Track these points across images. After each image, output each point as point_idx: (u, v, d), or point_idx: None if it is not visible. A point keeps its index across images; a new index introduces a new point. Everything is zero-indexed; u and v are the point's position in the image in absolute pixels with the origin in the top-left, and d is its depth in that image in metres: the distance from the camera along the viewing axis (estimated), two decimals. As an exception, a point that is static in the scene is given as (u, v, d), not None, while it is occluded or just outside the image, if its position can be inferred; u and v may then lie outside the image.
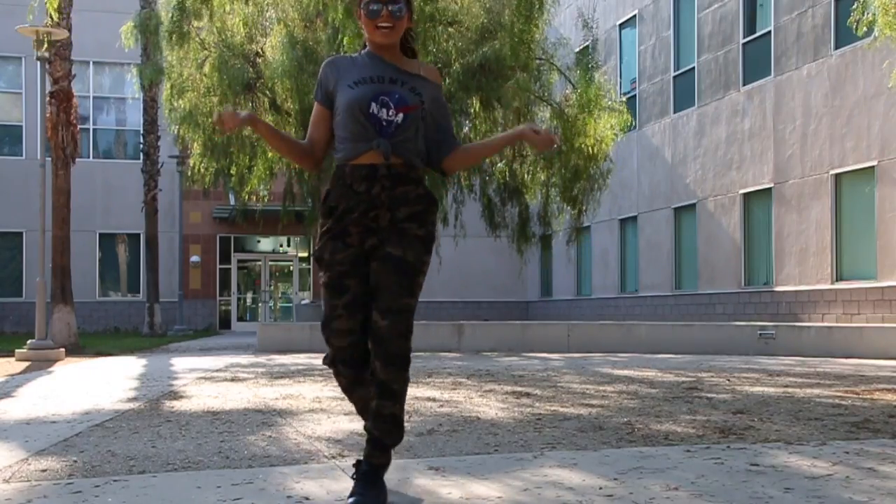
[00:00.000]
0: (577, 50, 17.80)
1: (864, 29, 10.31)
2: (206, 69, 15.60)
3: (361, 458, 3.10)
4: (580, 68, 16.78)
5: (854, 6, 10.54)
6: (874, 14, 9.79)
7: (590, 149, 16.12)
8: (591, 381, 8.46)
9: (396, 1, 3.07)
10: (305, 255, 29.48)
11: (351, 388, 3.19)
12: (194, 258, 27.93)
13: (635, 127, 20.70)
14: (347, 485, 3.31)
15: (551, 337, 14.81)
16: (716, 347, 14.16)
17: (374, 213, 3.00)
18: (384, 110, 2.97)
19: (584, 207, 17.22)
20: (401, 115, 2.98)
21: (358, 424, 5.15)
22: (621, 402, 6.48)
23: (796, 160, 17.11)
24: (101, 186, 27.11)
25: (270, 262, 29.92)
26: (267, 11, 15.71)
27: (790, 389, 7.52)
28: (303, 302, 26.08)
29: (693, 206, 20.32)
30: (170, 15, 15.70)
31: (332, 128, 3.10)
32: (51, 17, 14.55)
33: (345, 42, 13.75)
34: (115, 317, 27.49)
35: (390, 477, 3.29)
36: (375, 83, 3.01)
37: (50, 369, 10.84)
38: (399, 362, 2.97)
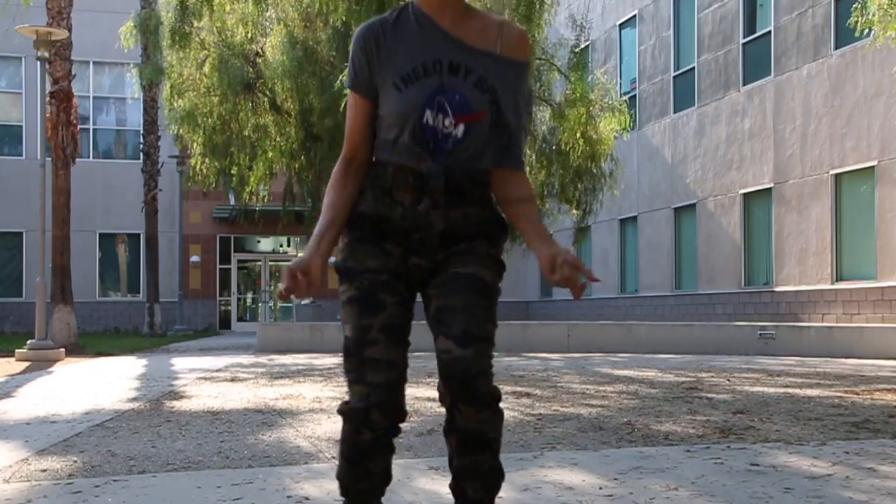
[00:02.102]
0: (577, 50, 17.79)
1: (865, 30, 10.31)
2: (206, 69, 15.61)
3: None
4: (580, 68, 16.79)
5: (854, 6, 10.55)
6: (874, 15, 9.80)
7: (590, 149, 16.14)
8: (591, 381, 8.47)
9: None
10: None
11: (374, 451, 2.25)
12: (194, 258, 27.93)
13: (635, 127, 20.69)
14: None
15: (551, 337, 14.80)
16: (716, 347, 14.16)
17: (419, 236, 2.20)
18: (440, 117, 2.14)
19: (587, 208, 17.24)
20: (461, 128, 2.14)
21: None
22: (621, 402, 6.48)
23: (796, 160, 17.11)
24: (101, 186, 27.11)
25: (270, 263, 29.92)
26: (267, 11, 15.72)
27: (790, 389, 7.52)
28: (303, 302, 26.07)
29: (693, 206, 20.32)
30: (170, 15, 15.71)
31: (374, 122, 2.25)
32: (49, 11, 14.55)
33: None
34: (115, 317, 27.49)
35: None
36: (431, 75, 2.14)
37: (50, 369, 10.85)
38: (490, 402, 2.17)
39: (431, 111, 2.13)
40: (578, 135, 15.98)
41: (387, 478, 2.31)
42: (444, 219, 2.18)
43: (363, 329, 2.17)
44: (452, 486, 2.30)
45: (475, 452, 2.22)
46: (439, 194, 2.16)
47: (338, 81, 13.84)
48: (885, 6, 9.52)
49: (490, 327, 2.19)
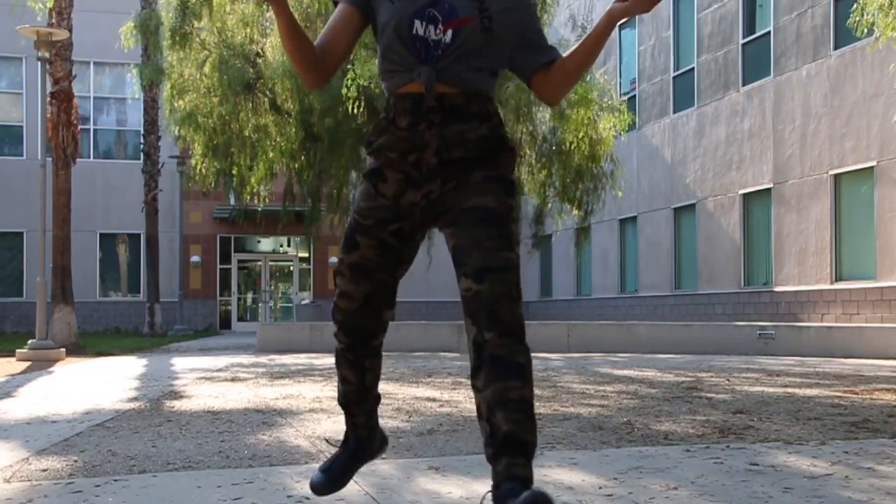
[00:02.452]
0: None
1: (865, 30, 10.32)
2: (207, 69, 15.62)
3: (490, 490, 2.19)
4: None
5: (853, 7, 10.56)
6: (874, 15, 9.80)
7: (590, 149, 16.15)
8: (591, 380, 8.47)
9: None
10: (306, 255, 29.50)
11: (342, 360, 2.56)
12: (194, 258, 27.94)
13: (635, 127, 20.70)
14: (349, 487, 3.33)
15: (551, 337, 14.81)
16: (715, 347, 14.17)
17: (415, 157, 2.32)
18: (431, 27, 2.28)
19: (588, 208, 17.26)
20: (449, 33, 2.27)
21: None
22: (621, 402, 6.49)
23: (796, 160, 17.12)
24: (101, 186, 27.12)
25: (271, 263, 29.93)
26: (267, 12, 15.72)
27: (790, 389, 7.53)
28: (303, 302, 26.09)
29: (693, 206, 20.33)
30: (170, 15, 15.72)
31: (354, 38, 2.41)
32: (49, 11, 14.55)
33: (355, 49, 13.73)
34: (115, 317, 27.50)
35: (391, 475, 3.29)
36: None
37: (50, 369, 10.85)
38: (515, 330, 2.25)
39: (421, 21, 2.28)
40: (580, 135, 15.99)
41: (364, 391, 2.60)
42: (438, 136, 2.30)
43: (340, 261, 2.46)
44: (486, 429, 2.25)
45: (504, 377, 2.23)
46: (434, 113, 2.29)
47: (346, 83, 13.88)
48: (886, 7, 9.53)
49: (504, 254, 2.25)
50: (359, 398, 2.65)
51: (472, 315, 2.25)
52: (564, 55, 2.43)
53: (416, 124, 2.31)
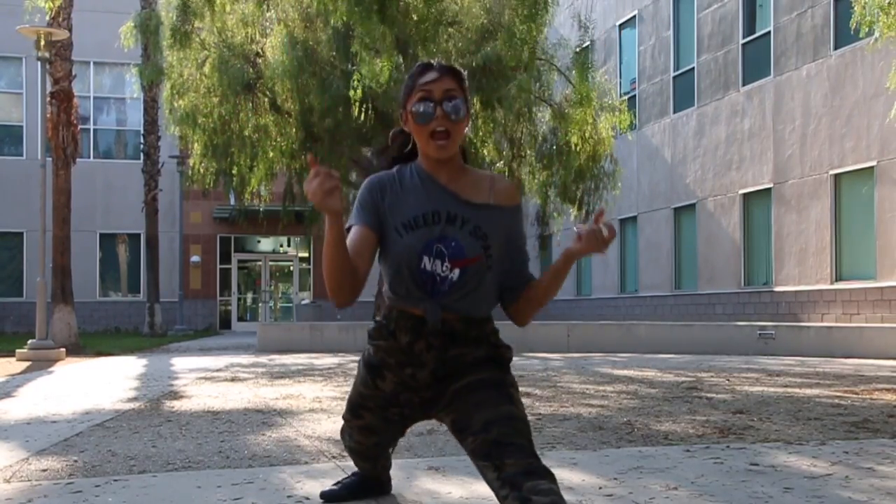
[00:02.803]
0: (577, 50, 17.80)
1: (866, 30, 10.32)
2: (207, 69, 15.61)
3: None
4: (580, 69, 16.80)
5: (854, 7, 10.56)
6: (874, 15, 9.80)
7: (591, 149, 16.15)
8: (591, 380, 8.47)
9: (452, 96, 2.41)
10: (306, 255, 29.50)
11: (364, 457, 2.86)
12: (194, 258, 27.94)
13: (635, 127, 20.70)
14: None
15: (551, 337, 14.81)
16: (715, 347, 14.17)
17: (412, 371, 2.42)
18: (438, 262, 2.37)
19: (588, 208, 17.26)
20: (457, 272, 2.37)
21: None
22: (621, 402, 6.49)
23: (796, 160, 17.12)
24: (101, 186, 27.12)
25: (271, 262, 29.93)
26: (268, 12, 15.73)
27: (790, 389, 7.53)
28: (303, 302, 26.09)
29: (693, 206, 20.33)
30: (170, 15, 15.71)
31: (374, 256, 2.46)
32: (50, 14, 14.54)
33: (355, 50, 13.76)
34: (115, 317, 27.50)
35: (391, 475, 3.29)
36: (430, 225, 2.38)
37: (50, 369, 10.85)
38: (536, 457, 2.26)
39: (429, 257, 2.38)
40: (580, 135, 15.99)
41: (375, 465, 2.89)
42: (437, 360, 2.41)
43: (346, 419, 2.70)
44: None
45: (531, 478, 2.19)
46: (434, 336, 2.38)
47: (352, 85, 13.87)
48: (886, 6, 9.53)
49: (507, 407, 2.33)
50: (378, 463, 2.93)
51: (485, 457, 2.25)
52: (535, 286, 2.57)
53: (416, 343, 2.40)
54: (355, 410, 2.59)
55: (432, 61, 2.53)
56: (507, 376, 2.45)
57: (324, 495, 3.02)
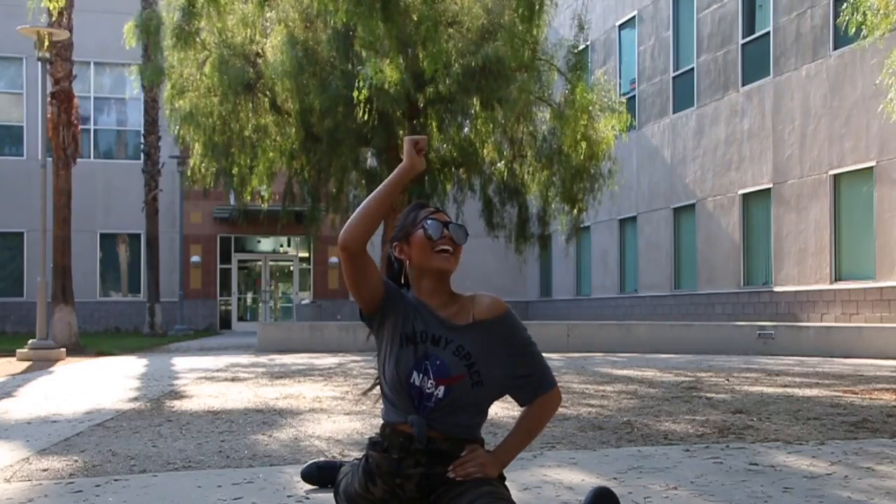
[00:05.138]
0: (577, 51, 17.80)
1: (854, 29, 10.32)
2: (207, 69, 15.61)
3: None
4: (580, 69, 16.80)
5: (844, 6, 10.56)
6: (864, 14, 9.80)
7: (590, 149, 16.15)
8: (591, 380, 8.48)
9: (456, 226, 2.67)
10: (306, 255, 29.50)
11: None
12: (195, 258, 27.94)
13: (635, 127, 20.71)
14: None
15: (551, 337, 14.82)
16: (715, 347, 14.17)
17: (401, 482, 2.59)
18: (425, 379, 2.55)
19: (585, 207, 17.26)
20: (441, 389, 2.54)
21: (359, 424, 5.17)
22: (621, 402, 6.50)
23: (795, 160, 17.13)
24: (101, 187, 27.12)
25: (271, 262, 29.93)
26: (269, 12, 15.73)
27: (789, 389, 7.53)
28: (303, 302, 26.09)
29: (692, 206, 20.33)
30: (171, 15, 15.71)
31: (374, 289, 2.63)
32: (49, 13, 14.55)
33: (359, 50, 13.76)
34: (115, 317, 27.50)
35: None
36: (419, 343, 2.58)
37: (51, 369, 10.86)
38: None
39: (418, 373, 2.55)
40: (579, 135, 15.99)
41: None
42: (422, 475, 2.56)
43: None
44: None
45: None
46: (421, 455, 2.55)
47: (357, 85, 13.86)
48: (879, 6, 9.53)
49: (488, 487, 2.47)
50: None
51: None
52: (545, 410, 2.76)
53: (405, 460, 2.57)
54: (349, 499, 2.75)
55: (425, 202, 2.82)
56: (494, 485, 2.55)
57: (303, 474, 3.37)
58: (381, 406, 2.70)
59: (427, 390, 2.55)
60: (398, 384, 2.57)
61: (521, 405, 2.73)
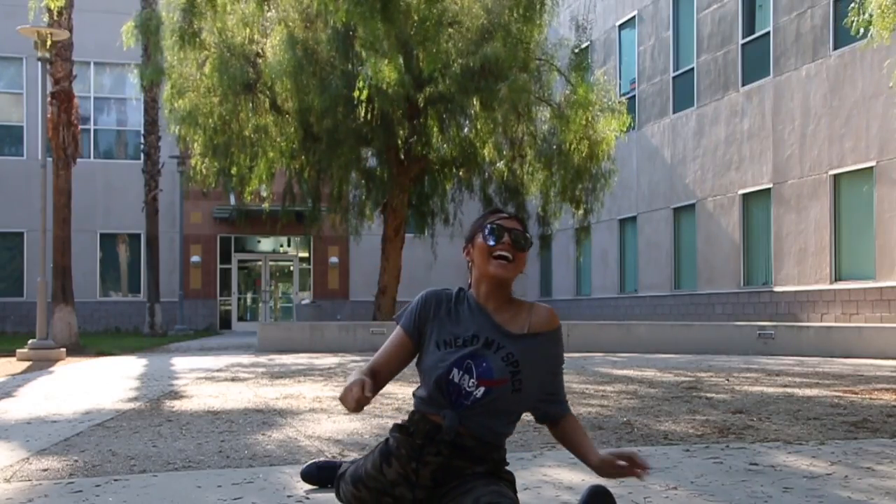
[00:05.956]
0: (577, 51, 17.81)
1: (861, 30, 10.33)
2: (207, 69, 15.61)
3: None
4: (579, 69, 16.80)
5: (851, 7, 10.57)
6: (870, 15, 9.81)
7: (590, 149, 16.15)
8: (591, 380, 8.48)
9: (520, 233, 2.66)
10: (306, 254, 29.50)
11: None
12: (195, 258, 27.94)
13: (635, 127, 20.71)
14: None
15: (551, 337, 14.78)
16: (715, 347, 14.17)
17: (416, 466, 2.61)
18: (466, 377, 2.58)
19: (587, 207, 17.27)
20: (482, 390, 2.57)
21: (359, 424, 5.16)
22: (621, 402, 6.50)
23: (795, 160, 17.13)
24: (101, 187, 27.12)
25: (271, 262, 29.93)
26: (267, 11, 15.73)
27: (789, 389, 7.53)
28: (303, 302, 26.09)
29: (692, 206, 20.33)
30: (171, 15, 15.71)
31: (406, 361, 2.74)
32: (49, 12, 14.55)
33: (359, 50, 13.76)
34: (115, 317, 27.50)
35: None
36: (467, 346, 2.61)
37: (51, 369, 10.86)
38: None
39: (459, 370, 2.58)
40: (579, 136, 16.00)
41: None
42: (439, 464, 2.59)
43: (346, 487, 2.80)
44: None
45: None
46: (444, 445, 2.58)
47: (357, 85, 13.84)
48: (884, 6, 9.53)
49: (496, 487, 2.49)
50: None
51: None
52: (566, 431, 2.76)
53: (427, 446, 2.59)
54: (356, 482, 2.75)
55: (501, 208, 2.84)
56: (508, 491, 2.57)
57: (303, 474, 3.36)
58: (413, 399, 2.72)
59: (466, 388, 2.58)
60: (435, 379, 2.59)
61: (538, 422, 2.79)
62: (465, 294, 2.73)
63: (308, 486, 3.34)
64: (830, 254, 16.21)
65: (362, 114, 14.25)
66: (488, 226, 2.66)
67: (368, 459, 2.75)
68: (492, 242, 2.63)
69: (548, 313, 2.70)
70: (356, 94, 13.91)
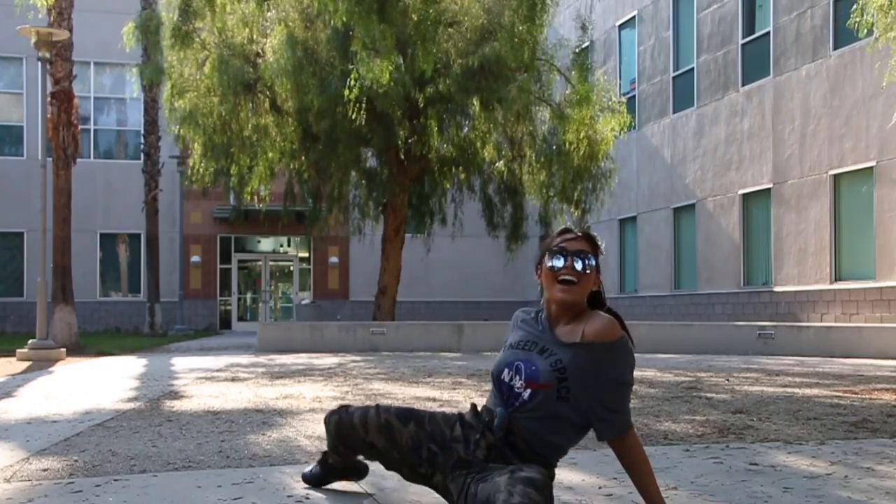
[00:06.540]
0: (577, 51, 17.81)
1: (865, 31, 10.33)
2: (207, 69, 15.61)
3: None
4: (579, 69, 16.80)
5: (854, 8, 10.57)
6: (873, 16, 9.81)
7: (590, 149, 16.15)
8: (591, 381, 8.46)
9: (584, 254, 2.75)
10: (306, 254, 29.50)
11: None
12: (195, 258, 27.94)
13: (635, 127, 20.71)
14: (347, 485, 3.34)
15: (551, 337, 14.78)
16: (715, 347, 14.17)
17: (478, 437, 2.73)
18: (517, 377, 2.70)
19: (587, 207, 17.27)
20: (528, 392, 2.67)
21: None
22: (621, 402, 6.48)
23: (795, 160, 17.13)
24: (101, 187, 27.12)
25: (271, 262, 29.93)
26: (267, 11, 15.73)
27: (789, 389, 7.53)
28: (303, 302, 26.10)
29: (692, 206, 20.33)
30: (171, 15, 15.71)
31: None
32: (49, 13, 14.55)
33: (355, 49, 13.76)
34: (115, 317, 27.50)
35: (391, 475, 3.31)
36: (523, 349, 2.75)
37: (51, 369, 10.86)
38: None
39: (510, 371, 2.72)
40: (579, 136, 15.99)
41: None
42: (482, 452, 2.70)
43: (381, 413, 2.93)
44: None
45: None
46: (493, 436, 2.68)
47: (348, 84, 13.84)
48: (885, 7, 9.54)
49: (529, 471, 2.49)
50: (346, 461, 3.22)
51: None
52: (641, 469, 2.76)
53: (473, 432, 2.74)
54: (409, 415, 2.86)
55: (572, 227, 2.95)
56: (539, 475, 2.56)
57: (305, 477, 3.34)
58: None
59: (516, 389, 2.69)
60: (495, 379, 2.77)
61: (598, 439, 2.79)
62: (541, 315, 2.85)
63: (308, 487, 3.33)
64: (830, 254, 16.21)
65: (351, 112, 14.24)
66: (553, 248, 2.76)
67: (438, 412, 2.89)
68: (556, 266, 2.74)
69: (602, 325, 2.69)
70: (346, 92, 13.90)
